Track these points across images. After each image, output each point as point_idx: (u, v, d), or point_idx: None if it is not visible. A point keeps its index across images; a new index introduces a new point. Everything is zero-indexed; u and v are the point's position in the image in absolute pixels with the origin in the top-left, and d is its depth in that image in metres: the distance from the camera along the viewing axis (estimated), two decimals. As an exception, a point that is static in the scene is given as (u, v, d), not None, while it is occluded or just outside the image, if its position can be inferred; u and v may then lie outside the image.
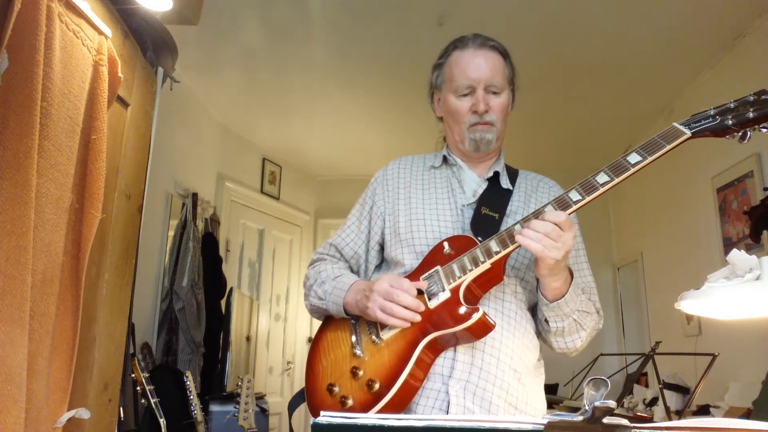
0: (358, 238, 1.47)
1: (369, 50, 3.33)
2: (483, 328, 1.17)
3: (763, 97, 1.09)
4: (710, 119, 1.11)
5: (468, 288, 1.20)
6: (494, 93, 1.37)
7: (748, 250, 2.62)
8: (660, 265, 4.07)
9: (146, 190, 1.88)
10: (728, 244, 3.04)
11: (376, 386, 1.18)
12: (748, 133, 1.09)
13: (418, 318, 1.19)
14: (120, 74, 1.51)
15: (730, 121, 1.09)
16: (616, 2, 2.78)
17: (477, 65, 1.35)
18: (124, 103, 1.69)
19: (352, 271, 1.48)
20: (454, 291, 1.20)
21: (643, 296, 4.33)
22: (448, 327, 1.17)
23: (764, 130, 1.08)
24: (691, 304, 1.02)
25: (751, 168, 2.85)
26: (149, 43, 1.87)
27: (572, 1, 2.79)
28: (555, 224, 1.12)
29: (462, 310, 1.17)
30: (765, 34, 2.82)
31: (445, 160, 1.47)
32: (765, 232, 2.43)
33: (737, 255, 0.97)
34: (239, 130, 4.50)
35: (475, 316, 1.14)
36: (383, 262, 1.47)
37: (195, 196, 3.72)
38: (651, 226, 4.23)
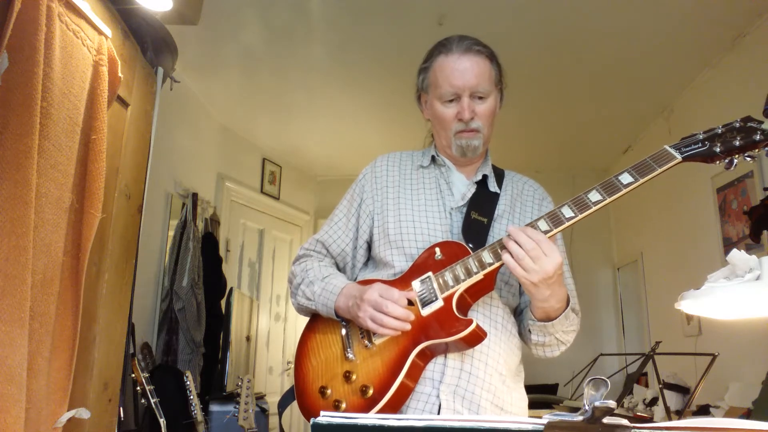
0: (345, 235, 1.46)
1: (369, 50, 3.33)
2: (475, 338, 1.19)
3: (749, 124, 1.12)
4: (699, 144, 1.15)
5: (460, 297, 1.21)
6: (480, 98, 1.33)
7: (748, 250, 2.62)
8: (660, 265, 4.07)
9: (146, 190, 1.88)
10: (728, 244, 3.04)
11: (370, 392, 1.19)
12: (735, 160, 1.13)
13: (408, 327, 1.19)
14: (120, 74, 1.51)
15: (718, 149, 1.13)
16: (616, 2, 2.78)
17: (462, 72, 1.31)
18: (124, 103, 1.69)
19: (338, 267, 1.47)
20: (447, 300, 1.21)
21: (643, 296, 4.33)
22: (441, 336, 1.18)
23: (749, 159, 1.12)
24: (691, 304, 1.01)
25: (751, 168, 2.85)
26: (149, 43, 1.87)
27: (572, 1, 2.79)
28: (536, 243, 1.13)
29: (456, 320, 1.18)
30: (765, 34, 2.82)
31: (433, 159, 1.46)
32: (765, 232, 2.43)
33: (737, 255, 0.97)
34: (239, 130, 4.50)
35: (469, 328, 1.16)
36: (369, 260, 1.46)
37: (195, 196, 3.72)
38: (651, 226, 4.23)
